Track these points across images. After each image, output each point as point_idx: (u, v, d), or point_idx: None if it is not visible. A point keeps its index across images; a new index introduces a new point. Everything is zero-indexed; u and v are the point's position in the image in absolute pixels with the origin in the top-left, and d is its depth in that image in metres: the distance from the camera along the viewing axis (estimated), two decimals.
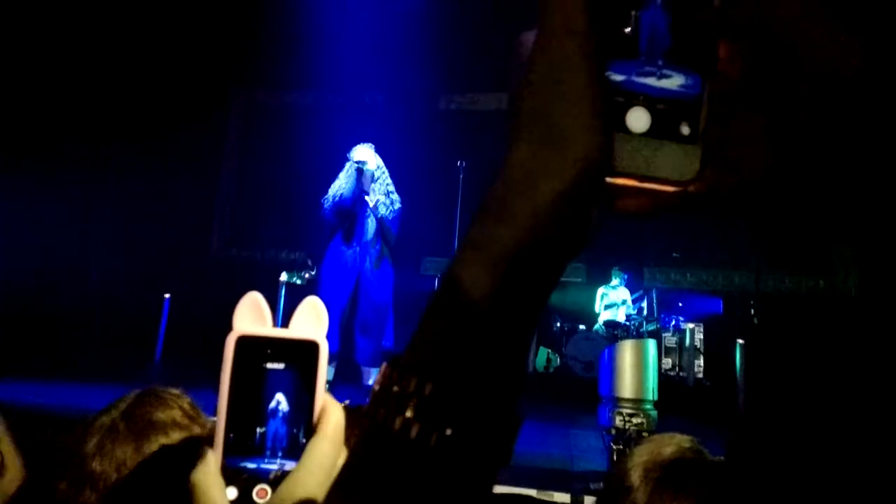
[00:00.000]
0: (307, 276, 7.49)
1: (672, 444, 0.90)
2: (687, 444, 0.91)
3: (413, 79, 8.21)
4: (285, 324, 0.57)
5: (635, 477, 0.86)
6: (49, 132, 7.81)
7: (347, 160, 4.37)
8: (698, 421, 5.10)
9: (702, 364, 6.92)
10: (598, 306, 7.39)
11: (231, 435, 0.45)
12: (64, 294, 7.65)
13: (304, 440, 0.46)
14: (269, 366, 0.48)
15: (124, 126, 8.40)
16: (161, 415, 0.92)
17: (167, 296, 6.74)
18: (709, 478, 0.86)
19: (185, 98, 8.65)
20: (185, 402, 0.99)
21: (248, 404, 0.46)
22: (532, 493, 2.42)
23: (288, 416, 0.47)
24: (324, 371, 0.49)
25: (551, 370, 7.21)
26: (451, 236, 4.35)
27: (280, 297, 7.39)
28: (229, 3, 8.05)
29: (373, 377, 4.21)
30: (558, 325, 7.37)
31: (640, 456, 0.89)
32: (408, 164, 7.38)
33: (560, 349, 7.19)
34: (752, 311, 6.81)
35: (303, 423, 0.47)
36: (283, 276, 7.62)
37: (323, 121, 8.48)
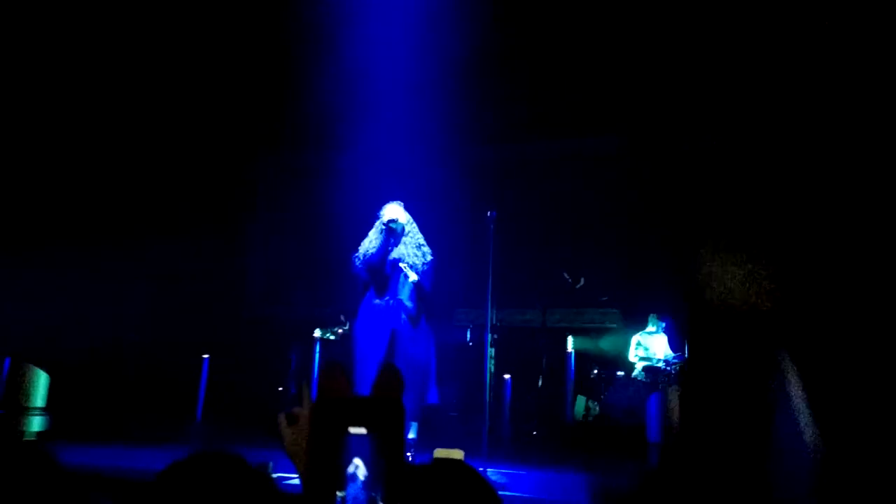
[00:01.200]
0: (340, 331, 7.57)
1: None
2: None
3: (439, 131, 8.39)
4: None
5: None
6: (81, 201, 8.10)
7: (378, 218, 4.47)
8: None
9: None
10: (633, 354, 7.26)
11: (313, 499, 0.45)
12: (105, 360, 7.80)
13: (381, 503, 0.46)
14: (352, 430, 0.48)
15: (154, 192, 8.66)
16: None
17: (206, 356, 6.84)
18: None
19: (213, 162, 8.94)
20: None
21: (330, 468, 0.46)
22: None
23: (367, 480, 0.46)
24: (402, 434, 0.50)
25: (590, 418, 7.07)
26: (483, 287, 4.36)
27: (315, 352, 7.46)
28: (253, 68, 8.37)
29: (412, 430, 4.18)
30: (595, 372, 7.26)
31: None
32: (438, 216, 7.46)
33: (599, 397, 7.06)
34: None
35: (381, 487, 0.46)
36: (317, 333, 7.71)
37: (350, 178, 8.67)
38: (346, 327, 7.63)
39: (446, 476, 0.80)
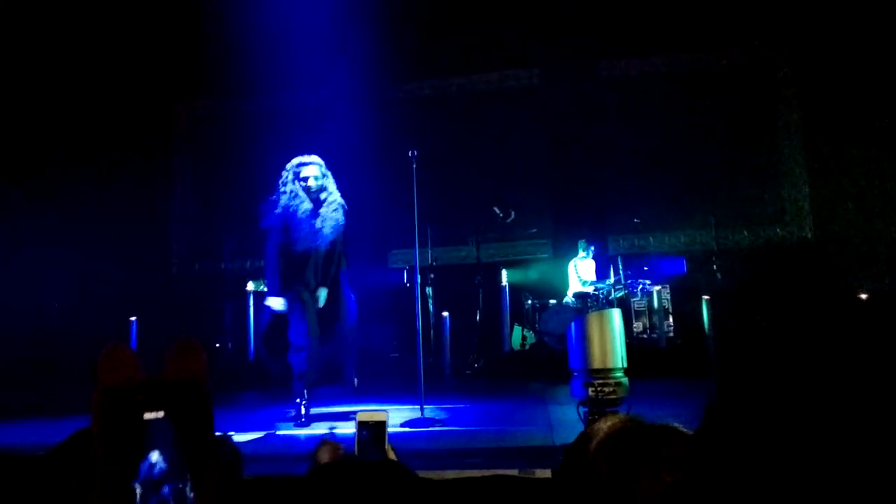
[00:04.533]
0: None
1: (609, 421, 0.94)
2: (622, 418, 0.95)
3: (356, 72, 8.13)
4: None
5: (590, 453, 0.90)
6: None
7: (294, 177, 4.17)
8: (673, 379, 5.22)
9: (671, 324, 7.06)
10: (574, 279, 7.41)
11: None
12: (29, 331, 7.46)
13: (191, 494, 0.42)
14: (147, 416, 0.42)
15: (69, 154, 8.16)
16: None
17: (133, 319, 6.62)
18: (652, 441, 0.90)
19: (126, 120, 8.44)
20: None
21: (126, 461, 0.40)
22: (514, 472, 2.45)
23: (168, 471, 0.41)
24: (208, 413, 0.45)
25: (527, 347, 7.28)
26: (411, 227, 4.32)
27: (249, 306, 7.33)
28: (159, 19, 7.83)
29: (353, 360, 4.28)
30: (529, 302, 7.43)
31: (592, 435, 0.93)
32: (364, 158, 7.32)
33: (533, 326, 7.26)
34: (715, 268, 6.98)
35: (188, 474, 0.41)
36: (250, 286, 7.55)
37: (270, 124, 8.35)
38: None
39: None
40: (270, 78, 8.08)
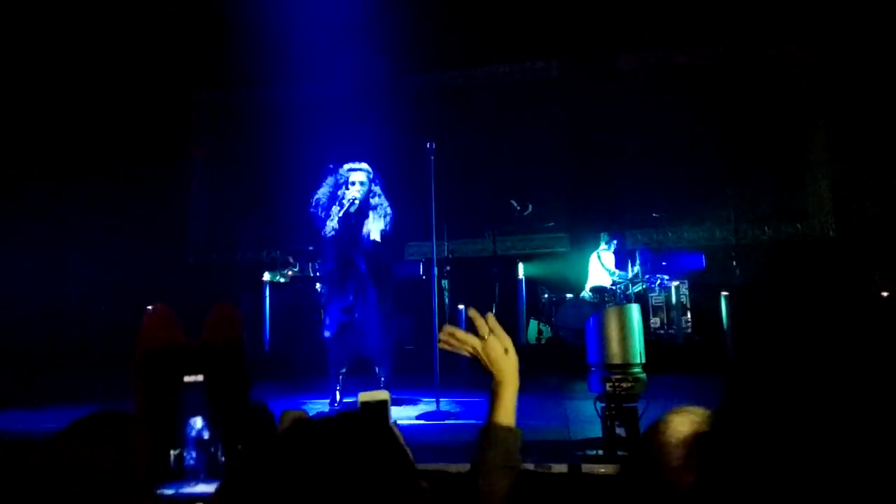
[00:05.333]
0: (290, 273, 7.45)
1: (688, 419, 0.92)
2: (700, 418, 0.93)
3: (374, 63, 8.10)
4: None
5: (662, 452, 0.88)
6: (15, 155, 7.67)
7: (339, 180, 4.34)
8: (690, 376, 5.16)
9: (689, 320, 6.97)
10: (599, 270, 7.28)
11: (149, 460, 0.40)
12: (45, 319, 7.55)
13: (222, 459, 0.41)
14: (187, 379, 0.42)
15: (88, 143, 8.24)
16: None
17: (150, 308, 6.65)
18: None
19: (144, 110, 8.50)
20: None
21: (164, 425, 0.41)
22: (530, 467, 2.43)
23: (205, 435, 0.41)
24: (245, 377, 0.46)
25: (543, 341, 7.24)
26: (428, 220, 4.33)
27: (265, 296, 7.36)
28: (178, 7, 7.87)
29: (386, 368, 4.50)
30: (546, 296, 7.39)
31: (665, 432, 0.91)
32: (382, 149, 7.30)
33: (550, 320, 7.22)
34: (734, 263, 6.89)
35: (220, 439, 0.41)
36: (266, 276, 7.58)
37: (287, 114, 8.35)
38: (296, 269, 7.53)
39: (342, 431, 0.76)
40: (288, 68, 8.09)
